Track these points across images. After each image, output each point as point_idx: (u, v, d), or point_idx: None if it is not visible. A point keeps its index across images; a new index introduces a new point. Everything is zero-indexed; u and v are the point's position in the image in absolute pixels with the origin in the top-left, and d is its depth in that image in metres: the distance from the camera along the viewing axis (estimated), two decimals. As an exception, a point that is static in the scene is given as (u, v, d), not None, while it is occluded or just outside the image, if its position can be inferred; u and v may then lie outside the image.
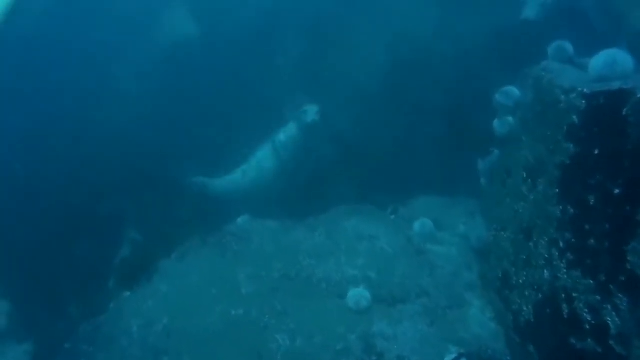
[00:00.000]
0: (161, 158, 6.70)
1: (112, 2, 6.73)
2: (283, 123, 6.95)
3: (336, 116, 6.54)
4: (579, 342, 3.36)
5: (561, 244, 3.58)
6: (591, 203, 3.34)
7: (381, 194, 5.95)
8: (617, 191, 3.17)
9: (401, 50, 6.23)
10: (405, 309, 4.57)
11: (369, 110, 6.31)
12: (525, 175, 4.17)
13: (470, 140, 5.39)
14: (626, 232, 3.11)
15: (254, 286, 4.88)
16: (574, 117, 3.46)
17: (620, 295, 3.12)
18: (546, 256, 3.74)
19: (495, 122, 4.78)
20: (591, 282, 3.32)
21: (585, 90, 3.40)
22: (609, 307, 3.18)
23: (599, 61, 3.62)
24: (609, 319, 3.17)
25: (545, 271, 3.73)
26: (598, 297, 3.26)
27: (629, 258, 3.08)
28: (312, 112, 6.65)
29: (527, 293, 3.96)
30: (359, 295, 4.64)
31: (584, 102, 3.39)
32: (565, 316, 3.49)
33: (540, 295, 3.79)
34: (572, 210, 3.51)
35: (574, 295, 3.43)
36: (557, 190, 3.65)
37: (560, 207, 3.60)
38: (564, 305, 3.50)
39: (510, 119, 4.65)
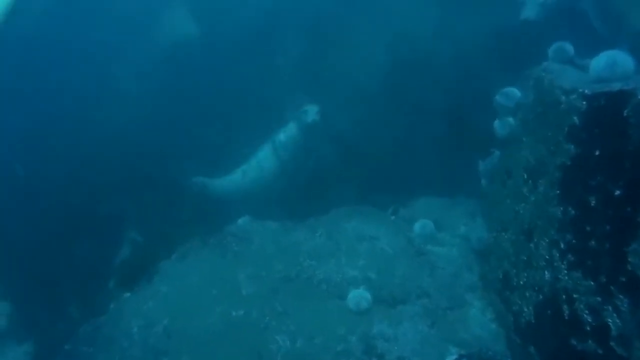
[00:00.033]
0: (161, 158, 6.71)
1: (112, 2, 6.72)
2: (283, 123, 6.95)
3: (336, 116, 6.55)
4: (580, 343, 3.36)
5: (562, 245, 3.57)
6: (592, 204, 3.33)
7: (381, 194, 5.95)
8: (618, 192, 3.17)
9: (401, 51, 6.23)
10: (406, 310, 4.56)
11: (369, 111, 6.31)
12: (525, 176, 4.16)
13: (470, 141, 5.39)
14: (627, 233, 3.11)
15: (254, 287, 4.87)
16: (575, 118, 3.45)
17: (621, 297, 3.11)
18: (547, 257, 3.73)
19: (496, 123, 4.77)
20: (592, 283, 3.31)
21: (586, 91, 3.39)
22: (610, 308, 3.17)
23: (599, 62, 3.62)
24: (609, 320, 3.16)
25: (546, 272, 3.73)
26: (599, 298, 3.25)
27: (629, 259, 3.08)
28: (312, 112, 6.65)
29: (527, 294, 3.95)
30: (359, 296, 4.64)
31: (584, 103, 3.38)
32: (566, 317, 3.48)
33: (541, 296, 3.78)
34: (572, 212, 3.50)
35: (574, 296, 3.43)
36: (558, 191, 3.65)
37: (561, 208, 3.60)
38: (565, 307, 3.50)
39: (510, 119, 4.64)
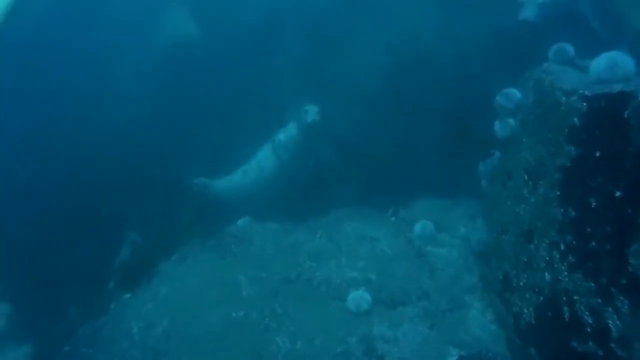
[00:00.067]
0: (161, 158, 6.70)
1: (112, 2, 6.72)
2: (283, 123, 6.94)
3: (336, 116, 6.53)
4: (580, 344, 3.35)
5: (562, 247, 3.57)
6: (592, 205, 3.33)
7: (381, 195, 5.94)
8: (618, 194, 3.16)
9: (402, 51, 6.22)
10: (406, 311, 4.56)
11: (369, 111, 6.29)
12: (526, 178, 4.16)
13: (470, 142, 5.38)
14: (627, 234, 3.10)
15: (254, 288, 4.87)
16: (575, 119, 3.45)
17: (621, 298, 3.11)
18: (547, 258, 3.73)
19: (496, 124, 4.76)
20: (592, 284, 3.31)
21: (586, 92, 3.39)
22: (610, 309, 3.17)
23: (600, 63, 3.61)
24: (610, 321, 3.16)
25: (546, 273, 3.73)
26: (599, 300, 3.24)
27: (630, 261, 3.07)
28: (312, 112, 6.62)
29: (527, 295, 3.95)
30: (359, 297, 4.63)
31: (585, 104, 3.38)
32: (567, 319, 3.48)
33: (541, 298, 3.78)
34: (573, 213, 3.50)
35: (575, 297, 3.42)
36: (558, 193, 3.65)
37: (562, 210, 3.59)
38: (565, 308, 3.50)
39: (511, 120, 4.63)
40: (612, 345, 3.13)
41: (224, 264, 5.21)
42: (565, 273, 3.53)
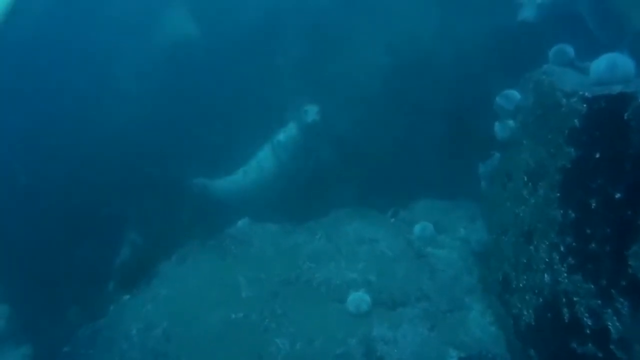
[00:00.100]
0: (161, 159, 6.70)
1: (112, 2, 6.72)
2: (283, 123, 6.93)
3: (336, 117, 6.53)
4: (580, 346, 3.35)
5: (562, 248, 3.56)
6: (592, 207, 3.32)
7: (381, 196, 5.94)
8: (618, 195, 3.15)
9: (402, 52, 6.22)
10: (406, 313, 4.55)
11: (369, 111, 6.29)
12: (526, 179, 4.15)
13: (470, 143, 5.37)
14: (627, 236, 3.09)
15: (254, 289, 4.87)
16: (575, 120, 3.44)
17: (621, 300, 3.10)
18: (547, 260, 3.72)
19: (496, 126, 4.76)
20: (592, 286, 3.30)
21: (586, 93, 3.38)
22: (610, 311, 3.16)
23: (600, 65, 3.61)
24: (610, 323, 3.15)
25: (546, 275, 3.72)
26: (599, 302, 3.24)
27: (630, 262, 3.06)
28: (312, 112, 6.62)
29: (527, 297, 3.94)
30: (359, 298, 4.63)
31: (585, 105, 3.37)
32: (566, 320, 3.47)
33: (541, 299, 3.78)
34: (573, 214, 3.49)
35: (574, 299, 3.42)
36: (558, 194, 3.64)
37: (561, 211, 3.59)
38: (565, 310, 3.49)
39: (511, 122, 4.63)
40: (612, 347, 3.13)
41: (224, 265, 5.21)
42: (565, 274, 3.52)
